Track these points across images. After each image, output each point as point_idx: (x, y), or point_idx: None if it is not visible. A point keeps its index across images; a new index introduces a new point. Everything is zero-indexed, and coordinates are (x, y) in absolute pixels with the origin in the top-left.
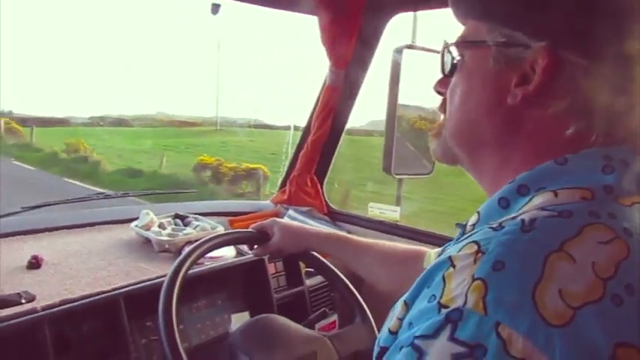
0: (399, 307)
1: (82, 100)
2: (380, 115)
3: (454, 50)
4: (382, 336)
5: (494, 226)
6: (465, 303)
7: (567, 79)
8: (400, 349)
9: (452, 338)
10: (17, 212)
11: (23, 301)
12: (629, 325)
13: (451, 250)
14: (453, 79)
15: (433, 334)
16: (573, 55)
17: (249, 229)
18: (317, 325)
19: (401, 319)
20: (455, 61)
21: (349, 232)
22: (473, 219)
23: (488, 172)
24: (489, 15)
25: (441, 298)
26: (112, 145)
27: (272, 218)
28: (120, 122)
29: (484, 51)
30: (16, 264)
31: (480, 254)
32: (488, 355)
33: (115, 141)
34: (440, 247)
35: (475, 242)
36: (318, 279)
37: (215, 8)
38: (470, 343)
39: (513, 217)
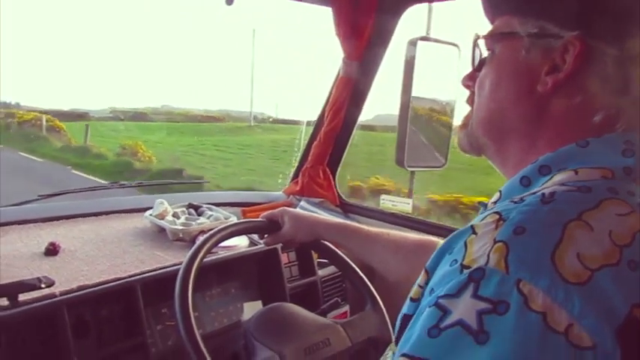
0: (420, 275)
1: (81, 91)
2: (385, 109)
3: (482, 44)
4: (405, 305)
5: (515, 200)
6: (487, 262)
7: (597, 68)
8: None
9: (475, 295)
10: (34, 200)
11: (43, 285)
12: None
13: (473, 220)
14: (482, 72)
15: (456, 293)
16: (603, 44)
17: (259, 219)
18: (329, 315)
19: (422, 287)
20: (484, 56)
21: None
22: (495, 197)
23: (513, 158)
24: (523, 8)
25: (463, 260)
26: (153, 144)
27: (282, 207)
28: (140, 116)
29: (516, 42)
30: (33, 250)
31: (501, 221)
32: (511, 310)
33: (148, 138)
34: None
35: (497, 212)
36: (331, 269)
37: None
38: (493, 299)
39: (534, 192)
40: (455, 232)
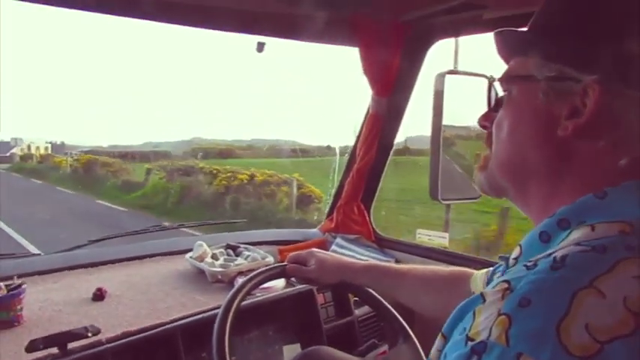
0: (438, 338)
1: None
2: (416, 130)
3: (499, 85)
4: None
5: (528, 264)
6: (489, 336)
7: (618, 111)
8: None
9: None
10: (84, 245)
11: (89, 334)
12: None
13: (487, 288)
14: (500, 113)
15: None
16: (623, 87)
17: (284, 263)
18: (367, 356)
19: (440, 351)
20: (500, 96)
21: (397, 259)
22: (515, 252)
23: (536, 204)
24: (539, 51)
25: (469, 331)
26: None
27: (310, 249)
28: (225, 152)
29: (532, 85)
30: (82, 296)
31: (508, 291)
32: None
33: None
34: None
35: (506, 281)
36: (367, 309)
37: (260, 46)
38: None
39: (548, 254)
40: (467, 299)
